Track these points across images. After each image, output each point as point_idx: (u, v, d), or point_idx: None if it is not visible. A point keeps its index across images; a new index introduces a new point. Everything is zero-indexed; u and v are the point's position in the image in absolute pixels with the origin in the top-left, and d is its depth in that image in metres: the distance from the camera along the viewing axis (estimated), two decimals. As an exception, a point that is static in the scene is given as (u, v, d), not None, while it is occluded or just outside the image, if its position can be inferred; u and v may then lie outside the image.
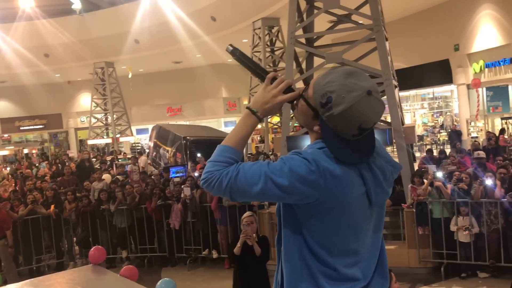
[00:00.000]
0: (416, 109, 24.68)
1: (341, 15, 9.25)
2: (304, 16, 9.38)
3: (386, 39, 9.05)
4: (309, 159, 1.58)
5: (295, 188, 1.56)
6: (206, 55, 25.92)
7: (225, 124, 32.41)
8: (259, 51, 20.10)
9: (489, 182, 7.02)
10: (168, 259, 9.17)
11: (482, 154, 8.69)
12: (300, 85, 9.46)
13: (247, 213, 5.46)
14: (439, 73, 19.75)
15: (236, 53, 1.72)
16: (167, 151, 15.39)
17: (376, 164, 1.70)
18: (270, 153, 16.33)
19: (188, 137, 14.58)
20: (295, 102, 1.70)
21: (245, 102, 24.31)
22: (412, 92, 23.03)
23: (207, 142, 14.83)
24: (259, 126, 22.26)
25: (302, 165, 1.56)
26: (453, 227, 7.18)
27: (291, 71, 8.84)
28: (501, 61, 17.16)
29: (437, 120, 23.28)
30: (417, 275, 7.45)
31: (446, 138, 20.98)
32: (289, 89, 1.68)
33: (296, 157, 1.59)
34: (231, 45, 1.71)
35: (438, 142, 21.86)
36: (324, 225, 1.63)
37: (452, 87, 20.61)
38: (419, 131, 24.22)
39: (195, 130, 17.62)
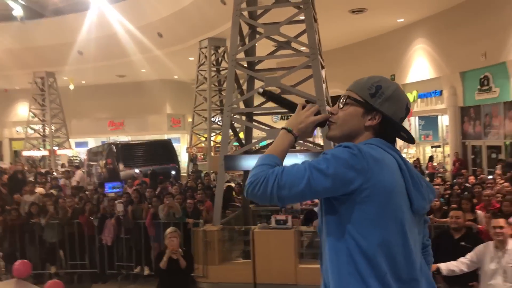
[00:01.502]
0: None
1: (282, 42, 9.63)
2: (247, 40, 9.68)
3: (323, 67, 9.50)
4: (350, 145, 1.64)
5: (340, 172, 1.59)
6: (152, 70, 25.81)
7: (169, 140, 32.19)
8: (205, 70, 20.32)
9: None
10: (99, 275, 9.01)
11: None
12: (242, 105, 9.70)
13: (170, 229, 5.63)
14: (376, 100, 20.70)
15: (266, 94, 1.96)
16: (99, 164, 15.44)
17: (410, 166, 1.77)
18: (212, 172, 16.42)
19: (116, 142, 15.18)
20: (328, 122, 1.83)
21: (190, 119, 24.28)
22: (351, 118, 23.92)
23: (135, 145, 15.48)
24: (202, 144, 22.36)
25: (344, 151, 1.63)
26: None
27: (231, 92, 9.07)
28: (432, 93, 18.31)
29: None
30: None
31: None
32: (317, 113, 1.83)
33: (338, 148, 1.67)
34: (261, 87, 1.97)
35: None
36: (370, 215, 1.63)
37: (388, 114, 21.69)
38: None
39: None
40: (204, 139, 21.83)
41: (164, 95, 29.45)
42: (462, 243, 5.13)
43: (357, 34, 20.16)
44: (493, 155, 15.77)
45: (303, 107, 1.84)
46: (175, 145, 31.93)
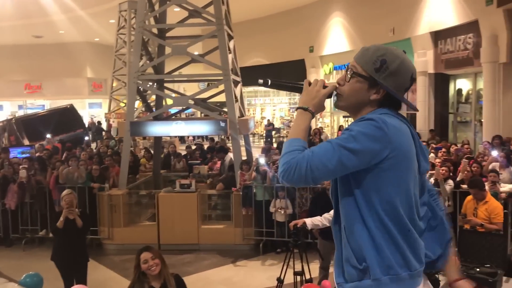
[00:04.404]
0: (276, 104, 26.36)
1: (192, 11, 9.77)
2: (157, 6, 9.75)
3: (231, 38, 9.80)
4: (374, 118, 1.72)
5: (368, 147, 1.68)
6: (72, 32, 24.81)
7: (90, 105, 31.30)
8: (125, 34, 19.92)
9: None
10: (3, 239, 8.99)
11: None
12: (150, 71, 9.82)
13: (66, 191, 5.82)
14: (295, 71, 21.39)
15: (267, 83, 1.98)
16: (2, 142, 14.94)
17: (415, 132, 1.90)
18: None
19: (15, 117, 14.76)
20: (335, 93, 1.89)
21: (114, 84, 23.64)
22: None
23: (36, 117, 15.13)
24: (122, 110, 22.02)
25: (368, 125, 1.70)
26: (272, 208, 8.18)
27: (137, 58, 9.16)
28: (347, 65, 19.11)
29: (293, 115, 25.16)
30: (240, 251, 8.34)
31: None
32: (324, 86, 1.89)
33: (361, 122, 1.73)
34: (261, 79, 1.99)
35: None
36: (396, 181, 1.75)
37: (306, 85, 22.50)
38: (277, 124, 25.91)
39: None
40: (123, 104, 21.56)
41: (84, 57, 28.43)
42: None
43: (280, 4, 20.52)
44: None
45: (309, 84, 1.90)
46: (96, 110, 31.13)
